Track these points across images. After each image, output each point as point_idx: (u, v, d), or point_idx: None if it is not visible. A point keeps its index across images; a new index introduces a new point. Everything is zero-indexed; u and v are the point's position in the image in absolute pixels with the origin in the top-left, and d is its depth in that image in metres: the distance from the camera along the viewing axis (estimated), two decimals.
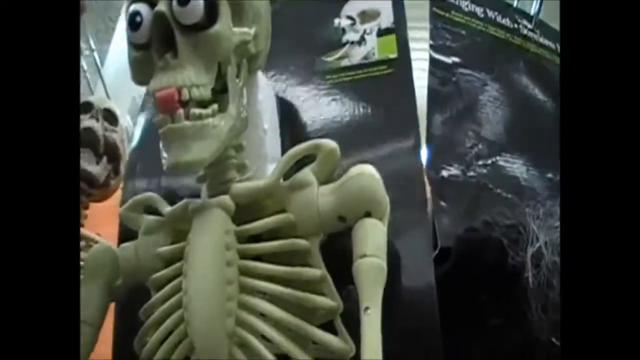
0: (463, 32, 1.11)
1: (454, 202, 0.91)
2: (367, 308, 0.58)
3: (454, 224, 0.88)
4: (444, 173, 0.94)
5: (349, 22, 0.95)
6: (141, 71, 0.65)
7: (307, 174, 0.65)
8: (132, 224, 0.75)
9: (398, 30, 0.92)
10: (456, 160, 0.97)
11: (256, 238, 0.66)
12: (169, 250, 0.68)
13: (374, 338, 0.57)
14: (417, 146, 0.83)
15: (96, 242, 1.22)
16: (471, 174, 1.00)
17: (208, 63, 0.62)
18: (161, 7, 0.62)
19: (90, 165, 1.28)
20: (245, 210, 0.66)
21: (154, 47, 0.63)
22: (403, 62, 0.88)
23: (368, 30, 0.93)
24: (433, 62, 1.05)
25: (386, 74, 0.88)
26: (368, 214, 0.62)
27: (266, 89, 0.80)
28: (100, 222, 1.43)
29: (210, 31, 0.62)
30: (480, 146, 1.02)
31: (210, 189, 0.68)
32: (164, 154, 0.61)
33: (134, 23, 0.64)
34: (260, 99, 0.77)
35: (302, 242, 0.63)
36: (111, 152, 1.33)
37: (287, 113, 0.86)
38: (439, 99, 1.01)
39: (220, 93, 0.64)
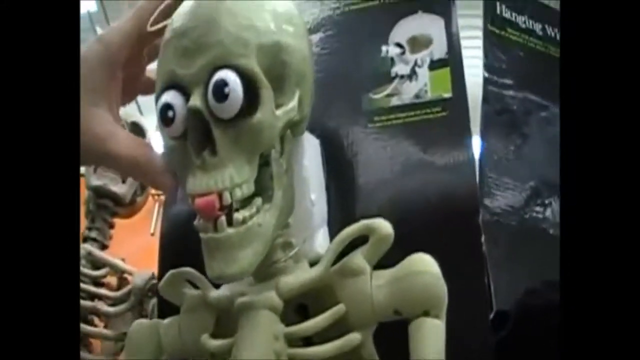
0: (521, 53, 1.02)
1: (511, 253, 0.84)
2: None
3: (512, 282, 0.80)
4: (500, 219, 0.86)
5: (398, 50, 0.86)
6: (177, 161, 0.60)
7: (359, 260, 0.60)
8: (173, 299, 0.70)
9: (452, 61, 0.83)
10: (512, 202, 0.89)
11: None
12: (217, 346, 0.63)
13: None
14: (473, 194, 0.76)
15: (120, 268, 1.19)
16: (527, 216, 0.92)
17: (250, 155, 0.57)
18: (196, 102, 0.55)
19: (115, 185, 1.24)
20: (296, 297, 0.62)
21: (190, 141, 0.57)
22: (458, 103, 0.80)
23: (419, 62, 0.84)
24: (487, 88, 0.96)
25: (440, 117, 0.80)
26: (427, 313, 0.57)
27: (311, 149, 0.72)
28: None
29: (251, 121, 0.55)
30: (537, 184, 0.94)
31: (254, 273, 0.62)
32: (207, 261, 0.57)
33: (166, 118, 0.58)
34: (306, 165, 0.69)
35: (356, 338, 0.58)
36: None
37: (331, 159, 0.78)
38: (493, 132, 0.93)
39: (260, 173, 0.58)
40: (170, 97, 0.58)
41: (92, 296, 1.14)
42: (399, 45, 0.86)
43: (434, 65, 0.83)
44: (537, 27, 1.06)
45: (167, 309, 0.73)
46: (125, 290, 1.15)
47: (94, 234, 1.21)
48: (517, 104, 0.97)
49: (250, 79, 0.56)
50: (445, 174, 0.77)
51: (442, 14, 0.86)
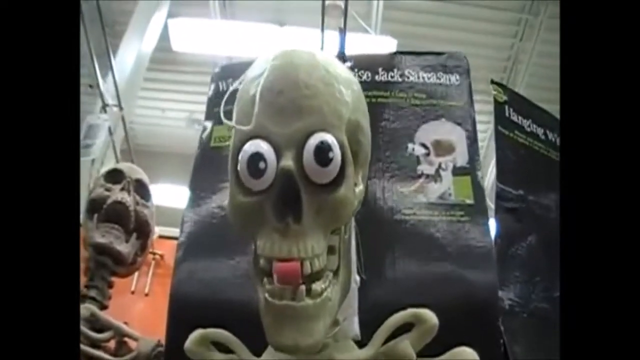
0: (526, 154, 1.09)
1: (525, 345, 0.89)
2: None
3: None
4: (521, 315, 0.91)
5: (423, 150, 0.92)
6: (248, 219, 0.59)
7: (407, 347, 0.61)
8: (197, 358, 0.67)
9: (473, 170, 0.90)
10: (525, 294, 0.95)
11: None
12: None
13: None
14: (494, 297, 0.81)
15: (124, 333, 1.16)
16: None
17: (327, 229, 0.58)
18: (289, 163, 0.55)
19: (119, 244, 1.21)
20: None
21: (274, 203, 0.55)
22: (479, 209, 0.86)
23: (443, 166, 0.90)
24: (498, 186, 1.03)
25: (463, 221, 0.85)
26: None
27: (353, 232, 0.75)
28: None
29: (337, 195, 0.56)
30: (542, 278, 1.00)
31: None
32: (272, 328, 0.56)
33: (256, 169, 0.56)
34: (353, 246, 0.70)
35: None
36: (140, 229, 1.27)
37: (361, 254, 0.81)
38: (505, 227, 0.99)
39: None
40: (260, 146, 0.56)
41: (92, 358, 1.11)
42: (424, 145, 0.93)
43: (457, 171, 0.90)
44: (540, 131, 1.14)
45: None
46: (129, 356, 1.12)
47: (93, 293, 1.16)
48: (524, 203, 1.04)
49: (342, 151, 0.56)
50: (468, 274, 0.82)
51: (464, 125, 0.93)
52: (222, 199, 0.92)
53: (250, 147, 0.56)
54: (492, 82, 1.16)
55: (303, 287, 0.55)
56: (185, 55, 4.13)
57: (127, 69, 3.47)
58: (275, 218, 0.55)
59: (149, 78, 4.14)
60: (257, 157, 0.56)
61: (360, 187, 0.61)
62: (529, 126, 1.13)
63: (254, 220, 0.58)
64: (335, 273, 0.59)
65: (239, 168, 0.58)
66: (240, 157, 0.57)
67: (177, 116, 4.80)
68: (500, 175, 1.04)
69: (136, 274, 1.67)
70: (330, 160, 0.55)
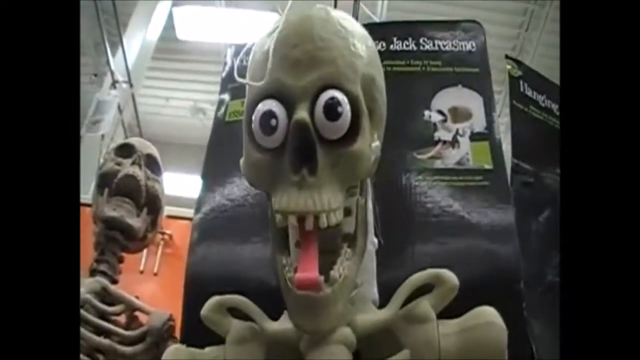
0: (541, 129, 1.09)
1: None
2: None
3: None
4: (538, 290, 0.91)
5: (440, 117, 0.92)
6: (263, 176, 0.60)
7: (426, 307, 0.61)
8: (217, 327, 0.67)
9: (491, 136, 0.89)
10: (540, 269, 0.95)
11: None
12: None
13: None
14: (516, 261, 0.80)
15: (136, 306, 1.16)
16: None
17: (343, 184, 0.58)
18: (303, 115, 0.56)
19: (131, 218, 1.20)
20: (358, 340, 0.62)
21: (288, 157, 0.57)
22: (499, 175, 0.85)
23: (461, 132, 0.90)
24: (514, 161, 1.02)
25: (482, 186, 0.84)
26: None
27: (370, 195, 0.74)
28: None
29: (352, 149, 0.57)
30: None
31: None
32: (294, 312, 0.58)
33: (268, 126, 0.58)
34: (370, 208, 0.70)
35: None
36: (151, 204, 1.25)
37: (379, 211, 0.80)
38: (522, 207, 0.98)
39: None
40: (272, 106, 0.58)
41: (103, 332, 1.09)
42: (441, 112, 0.92)
43: (475, 137, 0.89)
44: (554, 107, 1.13)
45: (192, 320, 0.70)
46: (139, 330, 1.11)
47: (103, 267, 1.14)
48: (539, 177, 1.03)
49: (357, 105, 0.58)
50: (489, 239, 0.81)
51: (481, 92, 0.93)
52: (238, 180, 0.91)
53: (264, 106, 0.58)
54: (507, 57, 1.16)
55: (322, 279, 0.55)
56: (190, 43, 4.12)
57: (132, 59, 3.47)
58: (290, 171, 0.56)
59: (153, 67, 4.14)
60: (269, 114, 0.57)
61: (376, 144, 0.61)
62: (543, 101, 1.12)
63: (270, 177, 0.59)
64: (352, 238, 0.60)
65: (252, 126, 0.59)
66: (254, 117, 0.58)
67: (182, 105, 4.79)
68: (516, 150, 1.03)
69: (145, 253, 1.67)
70: (340, 115, 0.56)
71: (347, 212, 0.60)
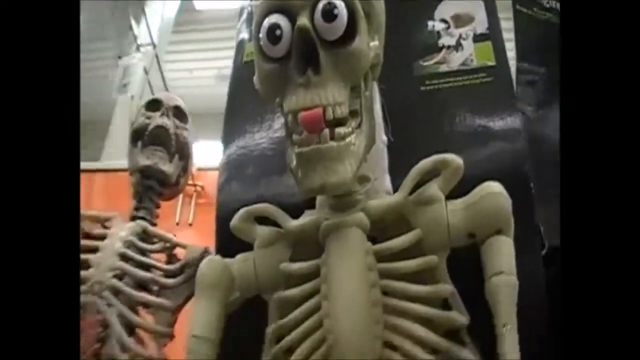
0: (545, 29, 1.10)
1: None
2: (505, 324, 0.60)
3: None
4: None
5: (443, 25, 0.94)
6: (273, 85, 0.66)
7: (434, 189, 0.66)
8: (245, 235, 0.74)
9: (493, 36, 0.91)
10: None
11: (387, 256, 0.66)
12: (300, 268, 0.68)
13: (514, 354, 0.59)
14: (522, 149, 0.83)
15: (174, 242, 1.23)
16: None
17: (347, 80, 0.63)
18: (304, 21, 0.62)
19: (164, 164, 1.28)
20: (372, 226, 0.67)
21: (293, 62, 0.62)
22: (502, 70, 0.88)
23: (464, 35, 0.92)
24: (518, 62, 1.04)
25: (486, 82, 0.87)
26: (499, 231, 0.64)
27: (378, 98, 0.79)
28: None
29: (351, 47, 0.63)
30: None
31: (333, 203, 0.68)
32: (302, 175, 0.61)
33: (273, 36, 0.64)
34: (377, 110, 0.76)
35: (435, 259, 0.64)
36: (182, 151, 1.33)
37: (387, 119, 0.85)
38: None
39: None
40: (276, 17, 0.64)
41: (146, 268, 1.15)
42: (444, 21, 0.95)
43: (477, 38, 0.92)
44: (558, 5, 1.14)
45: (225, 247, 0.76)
46: (178, 264, 1.17)
47: (142, 213, 1.23)
48: (545, 75, 1.05)
49: (352, 8, 0.63)
50: (494, 133, 0.84)
51: None
52: (260, 118, 0.96)
53: (270, 20, 0.64)
54: None
55: (327, 131, 0.61)
56: (209, 12, 4.15)
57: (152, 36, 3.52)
58: (297, 73, 0.61)
59: (174, 41, 4.18)
60: (273, 26, 0.64)
61: (375, 43, 0.67)
62: (547, 2, 1.13)
63: (280, 84, 0.64)
64: (359, 126, 0.64)
65: (260, 41, 0.65)
66: (261, 31, 0.65)
67: (206, 74, 4.84)
68: (521, 54, 1.05)
69: (179, 205, 1.75)
70: (336, 16, 0.62)
71: (354, 113, 0.65)
